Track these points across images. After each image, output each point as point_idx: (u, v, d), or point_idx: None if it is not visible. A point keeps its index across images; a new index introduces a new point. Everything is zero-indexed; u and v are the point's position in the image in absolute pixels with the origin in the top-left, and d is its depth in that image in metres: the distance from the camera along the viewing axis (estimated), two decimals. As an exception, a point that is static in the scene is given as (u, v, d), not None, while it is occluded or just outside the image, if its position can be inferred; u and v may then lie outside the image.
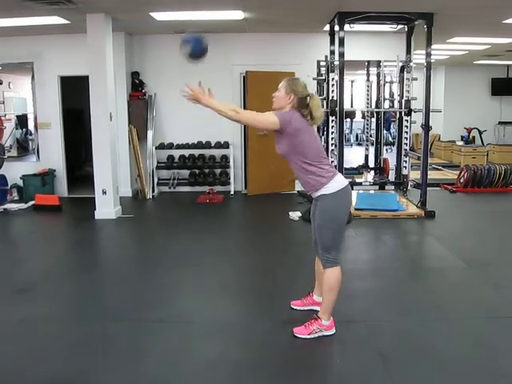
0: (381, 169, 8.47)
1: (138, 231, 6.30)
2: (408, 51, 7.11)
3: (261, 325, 3.39)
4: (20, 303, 3.79)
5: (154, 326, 3.37)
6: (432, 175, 8.69)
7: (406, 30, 7.04)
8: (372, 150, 8.92)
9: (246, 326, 3.40)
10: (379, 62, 8.20)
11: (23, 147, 9.45)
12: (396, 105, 7.84)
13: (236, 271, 4.57)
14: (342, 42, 6.33)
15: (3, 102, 9.08)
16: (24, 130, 9.62)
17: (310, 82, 7.33)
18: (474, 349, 3.03)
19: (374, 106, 8.63)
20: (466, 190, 8.18)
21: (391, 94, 8.61)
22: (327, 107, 6.86)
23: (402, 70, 7.25)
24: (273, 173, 7.69)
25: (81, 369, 2.82)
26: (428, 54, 6.42)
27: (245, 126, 7.94)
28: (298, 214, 6.40)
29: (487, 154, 11.60)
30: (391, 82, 8.46)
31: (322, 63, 7.88)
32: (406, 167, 7.30)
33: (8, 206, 7.19)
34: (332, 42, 7.00)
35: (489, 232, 5.92)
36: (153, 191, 8.07)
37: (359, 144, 14.48)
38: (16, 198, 7.71)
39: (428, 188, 6.75)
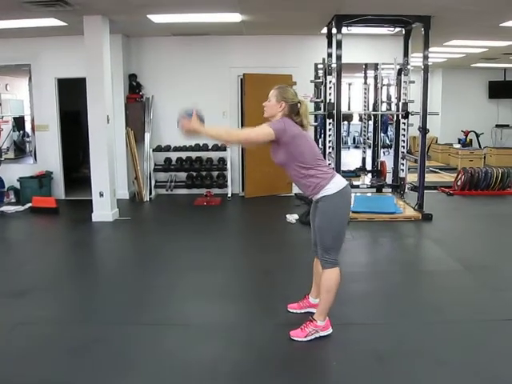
0: (378, 171, 8.47)
1: (135, 234, 6.28)
2: (405, 54, 7.13)
3: (258, 327, 3.38)
4: (17, 306, 3.76)
5: (150, 329, 3.35)
6: (429, 178, 8.71)
7: (404, 32, 7.06)
8: (369, 152, 8.93)
9: (243, 328, 3.39)
10: (377, 64, 8.20)
11: (20, 149, 9.42)
12: (393, 107, 7.85)
13: (233, 273, 4.56)
14: (339, 45, 6.34)
15: (0, 104, 9.06)
16: (21, 132, 9.59)
17: (307, 86, 7.37)
18: (472, 351, 3.03)
19: (371, 108, 8.64)
20: (463, 193, 8.19)
21: (388, 97, 8.62)
22: (325, 110, 6.87)
23: (399, 72, 7.26)
24: (270, 175, 7.65)
25: (73, 373, 2.81)
26: (425, 57, 6.43)
27: (242, 127, 7.94)
28: (296, 216, 6.39)
29: (484, 157, 11.63)
30: (388, 85, 8.47)
31: (320, 66, 7.89)
32: (403, 170, 7.31)
33: (5, 208, 7.17)
34: (329, 45, 7.01)
35: (486, 235, 5.92)
36: (150, 194, 8.06)
37: (356, 147, 14.44)
38: (13, 201, 7.68)
39: (425, 191, 6.75)
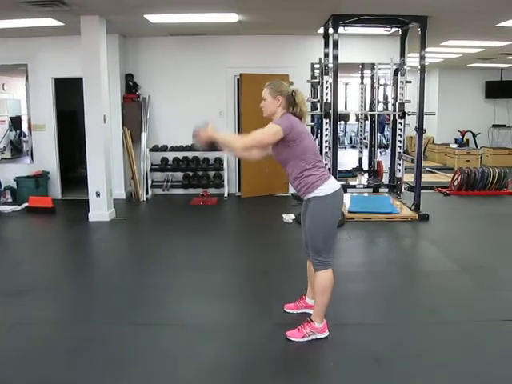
0: (375, 171, 8.48)
1: (132, 233, 6.28)
2: (402, 54, 7.14)
3: (254, 327, 3.38)
4: (14, 306, 3.76)
5: (147, 329, 3.35)
6: (426, 178, 8.72)
7: (400, 32, 7.07)
8: (366, 152, 8.92)
9: (240, 328, 3.39)
10: (373, 64, 8.21)
11: (17, 149, 9.42)
12: (390, 107, 7.85)
13: (229, 273, 4.56)
14: (336, 45, 6.34)
15: (-3, 104, 9.07)
16: (18, 131, 9.59)
17: (304, 86, 7.37)
18: (470, 352, 3.03)
19: (367, 108, 8.64)
20: (459, 193, 8.21)
21: (385, 97, 8.62)
22: (321, 110, 6.87)
23: (395, 72, 7.26)
24: (267, 175, 7.67)
25: (71, 373, 2.80)
26: (422, 57, 6.44)
27: (238, 127, 7.95)
28: (292, 216, 6.39)
29: (481, 157, 11.65)
30: (385, 85, 8.47)
31: (317, 66, 7.88)
32: (399, 170, 7.31)
33: (1, 208, 7.15)
34: (326, 45, 7.00)
35: (483, 235, 5.94)
36: (146, 193, 8.05)
37: (353, 147, 14.48)
38: (9, 200, 7.66)
39: (422, 191, 6.76)
